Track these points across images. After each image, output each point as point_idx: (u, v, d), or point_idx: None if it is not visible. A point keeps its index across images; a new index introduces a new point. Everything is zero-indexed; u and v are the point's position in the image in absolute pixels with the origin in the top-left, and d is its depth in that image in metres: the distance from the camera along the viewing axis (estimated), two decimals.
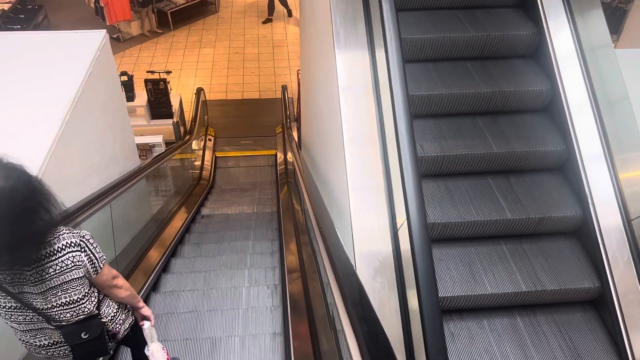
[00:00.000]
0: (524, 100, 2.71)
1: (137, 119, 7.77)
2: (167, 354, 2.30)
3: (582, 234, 2.44)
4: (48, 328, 1.90)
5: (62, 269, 1.79)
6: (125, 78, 7.39)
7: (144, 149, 6.34)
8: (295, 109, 9.09)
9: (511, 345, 2.21)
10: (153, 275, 3.93)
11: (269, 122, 9.16)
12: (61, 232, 1.82)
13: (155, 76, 7.65)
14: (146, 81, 7.45)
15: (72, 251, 1.81)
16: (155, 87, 7.47)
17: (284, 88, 8.52)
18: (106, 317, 2.01)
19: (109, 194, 3.50)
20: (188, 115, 8.41)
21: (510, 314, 2.33)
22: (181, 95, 8.59)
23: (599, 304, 2.35)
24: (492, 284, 2.26)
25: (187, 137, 6.88)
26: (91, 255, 1.88)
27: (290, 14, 12.24)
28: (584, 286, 2.29)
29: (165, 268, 4.26)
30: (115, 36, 11.25)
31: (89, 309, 1.92)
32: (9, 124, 3.20)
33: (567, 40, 2.69)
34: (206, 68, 10.57)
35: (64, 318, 1.88)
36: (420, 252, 1.65)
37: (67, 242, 1.80)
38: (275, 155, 8.27)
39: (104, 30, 4.27)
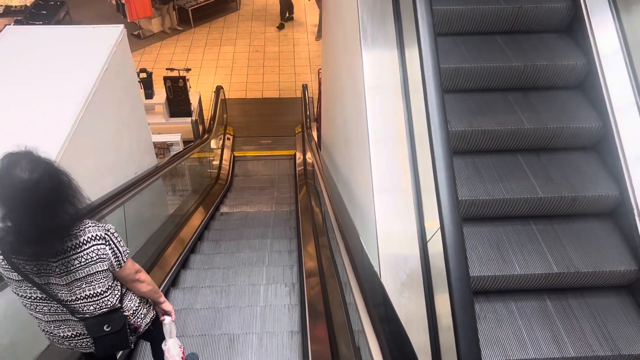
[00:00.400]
0: (557, 75, 2.59)
1: (156, 116, 7.68)
2: (183, 351, 2.31)
3: (618, 215, 2.32)
4: (72, 320, 1.92)
5: (87, 261, 1.82)
6: (144, 75, 7.30)
7: (162, 148, 6.23)
8: (316, 109, 8.92)
9: (541, 329, 2.10)
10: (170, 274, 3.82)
11: (289, 122, 9.00)
12: (87, 225, 1.84)
13: (175, 74, 7.55)
14: (165, 79, 7.35)
15: (97, 244, 1.83)
16: (174, 85, 7.37)
17: (304, 87, 8.36)
18: (128, 311, 2.03)
19: (122, 195, 3.38)
20: (207, 114, 8.31)
21: (540, 298, 2.22)
22: (200, 93, 8.48)
23: (636, 289, 2.22)
24: (522, 264, 2.16)
25: (205, 136, 6.75)
26: (115, 249, 1.90)
27: (290, 17, 11.94)
28: (620, 269, 2.16)
29: (184, 264, 4.17)
30: (136, 33, 11.22)
31: (111, 302, 1.94)
32: (19, 122, 3.08)
33: (605, 11, 2.53)
34: (226, 66, 10.47)
35: (87, 310, 1.90)
36: (455, 266, 1.48)
37: (92, 235, 1.83)
38: (294, 155, 8.11)
39: (122, 25, 4.14)
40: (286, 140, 8.60)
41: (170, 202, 5.63)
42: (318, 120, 8.70)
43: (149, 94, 7.48)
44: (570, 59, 2.57)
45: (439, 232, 1.58)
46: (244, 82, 10.05)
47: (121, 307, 2.00)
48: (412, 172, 1.84)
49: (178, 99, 7.53)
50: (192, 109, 7.77)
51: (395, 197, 1.94)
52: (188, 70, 7.75)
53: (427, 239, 1.79)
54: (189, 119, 7.68)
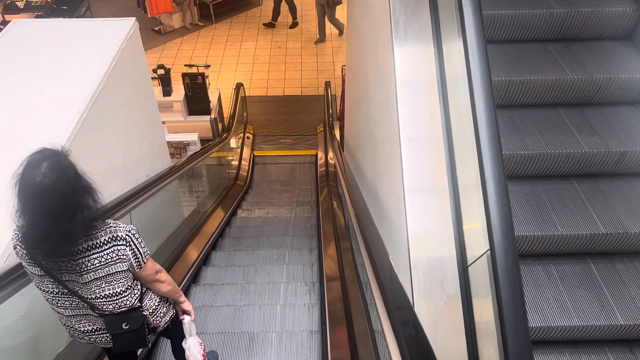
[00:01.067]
0: (604, 23, 2.37)
1: (174, 114, 7.46)
2: (204, 349, 2.33)
3: None
4: (92, 314, 1.95)
5: (106, 261, 1.83)
6: (162, 72, 7.08)
7: (178, 147, 6.00)
8: (339, 107, 8.60)
9: (585, 295, 1.92)
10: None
11: (310, 121, 8.71)
12: (108, 225, 1.84)
13: (193, 70, 7.31)
14: (184, 75, 7.11)
15: (117, 245, 1.84)
16: (193, 82, 7.13)
17: (327, 84, 8.04)
18: (147, 310, 2.04)
19: (130, 201, 3.12)
20: (227, 112, 8.04)
21: (583, 261, 2.04)
22: (220, 90, 8.23)
23: None
24: (564, 224, 1.97)
25: (224, 135, 6.50)
26: (135, 249, 1.90)
27: (294, 24, 11.32)
28: None
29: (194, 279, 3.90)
30: (156, 29, 11.04)
31: (130, 302, 1.96)
32: (18, 124, 2.84)
33: None
34: (247, 62, 10.21)
35: (106, 309, 1.92)
36: (505, 276, 1.21)
37: (113, 236, 1.83)
38: (316, 155, 7.81)
39: (133, 19, 3.89)
40: (308, 139, 8.31)
41: (186, 205, 5.38)
42: (341, 119, 8.38)
43: (167, 91, 7.25)
44: (619, 4, 2.35)
45: (483, 237, 1.32)
46: (265, 79, 9.78)
47: (140, 306, 2.01)
48: (449, 171, 1.68)
49: (197, 97, 7.29)
50: (212, 107, 7.52)
51: (429, 197, 1.81)
52: (207, 66, 7.50)
53: (466, 242, 1.59)
54: (207, 117, 7.44)
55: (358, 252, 2.28)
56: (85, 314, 1.96)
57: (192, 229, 4.62)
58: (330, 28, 11.24)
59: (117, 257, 1.85)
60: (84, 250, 1.79)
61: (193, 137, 6.06)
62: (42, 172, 1.59)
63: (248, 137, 8.05)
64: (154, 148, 4.30)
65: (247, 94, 9.15)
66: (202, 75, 7.12)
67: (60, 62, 3.32)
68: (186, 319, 2.25)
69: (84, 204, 1.69)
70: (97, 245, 1.81)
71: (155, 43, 10.70)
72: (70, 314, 1.95)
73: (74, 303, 1.91)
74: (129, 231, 1.89)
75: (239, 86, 7.87)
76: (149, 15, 10.52)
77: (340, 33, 10.77)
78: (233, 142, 7.41)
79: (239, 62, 10.21)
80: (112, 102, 3.37)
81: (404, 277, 1.71)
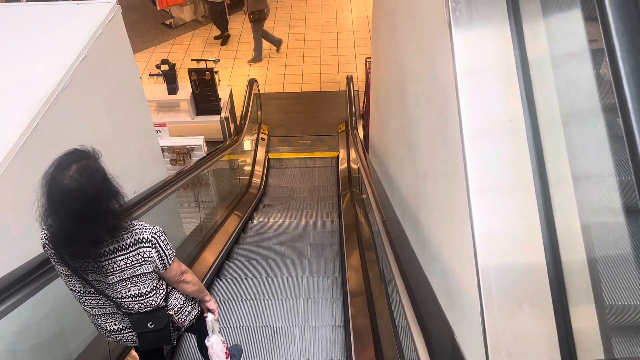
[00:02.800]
0: None
1: (180, 114, 6.77)
2: (227, 347, 2.38)
3: None
4: (118, 313, 1.97)
5: (132, 263, 1.84)
6: (166, 67, 6.39)
7: (181, 153, 5.30)
8: (362, 104, 7.82)
9: None
10: None
11: (331, 119, 7.95)
12: (134, 227, 1.84)
13: (201, 65, 6.61)
14: (190, 71, 6.41)
15: (143, 247, 1.85)
16: (200, 78, 6.43)
17: (349, 79, 7.26)
18: (173, 309, 2.06)
19: None
20: (240, 111, 7.33)
21: None
22: (232, 87, 7.51)
23: None
24: None
25: (234, 138, 5.78)
26: (161, 251, 1.90)
27: (225, 39, 9.96)
28: None
29: None
30: (167, 22, 10.40)
31: (155, 302, 1.97)
32: None
33: None
34: (263, 57, 9.48)
35: (132, 308, 1.94)
36: None
37: (139, 238, 1.83)
38: (337, 158, 7.06)
39: (114, 1, 3.17)
40: (328, 140, 7.55)
41: (189, 219, 4.69)
42: (365, 117, 7.60)
43: (172, 89, 6.57)
44: None
45: None
46: (281, 74, 9.05)
47: (166, 306, 2.03)
48: (535, 163, 1.43)
49: (205, 94, 6.59)
50: (222, 106, 6.81)
51: (506, 193, 1.51)
52: (217, 61, 6.80)
53: (560, 244, 1.36)
54: (217, 117, 6.74)
55: (392, 285, 2.05)
56: (111, 313, 1.98)
57: (195, 249, 3.94)
58: (352, 17, 10.45)
59: (142, 259, 1.86)
60: (109, 252, 1.80)
61: (198, 140, 5.35)
62: (70, 175, 1.60)
63: (262, 139, 7.33)
64: (144, 158, 3.60)
65: (261, 91, 8.44)
66: (211, 70, 6.42)
67: (12, 56, 2.63)
68: (209, 317, 2.26)
69: (110, 208, 1.70)
70: (123, 248, 1.82)
71: (165, 37, 10.06)
72: (97, 312, 1.98)
73: (100, 302, 1.94)
74: (155, 233, 1.88)
75: (252, 82, 7.15)
76: (159, 8, 9.89)
77: (278, 49, 9.48)
78: (245, 145, 6.70)
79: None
80: (80, 104, 2.67)
81: (467, 284, 1.47)
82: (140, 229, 1.85)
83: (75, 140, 2.65)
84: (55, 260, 1.83)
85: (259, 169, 6.58)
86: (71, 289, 1.92)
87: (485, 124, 1.57)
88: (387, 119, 3.89)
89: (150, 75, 6.70)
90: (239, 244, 4.77)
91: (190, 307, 2.17)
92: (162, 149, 5.29)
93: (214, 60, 6.71)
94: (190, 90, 6.57)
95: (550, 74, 1.48)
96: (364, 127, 7.40)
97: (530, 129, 1.50)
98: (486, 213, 1.46)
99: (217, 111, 6.74)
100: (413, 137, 2.66)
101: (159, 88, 6.72)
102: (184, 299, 2.13)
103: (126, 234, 1.81)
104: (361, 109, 7.73)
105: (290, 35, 10.07)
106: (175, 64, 6.46)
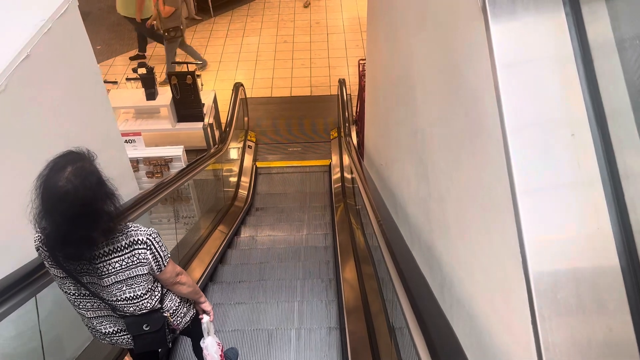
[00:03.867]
0: None
1: (160, 121, 6.28)
2: (222, 349, 2.36)
3: None
4: (113, 315, 1.96)
5: (127, 264, 1.83)
6: (143, 71, 5.90)
7: (158, 165, 4.82)
8: (355, 109, 7.38)
9: None
10: None
11: (322, 125, 7.51)
12: (129, 229, 1.84)
13: (183, 68, 6.13)
14: (169, 75, 5.93)
15: (138, 248, 1.84)
16: (181, 82, 5.94)
17: (341, 82, 6.82)
18: (168, 311, 2.06)
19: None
20: (225, 117, 6.85)
21: None
22: (216, 92, 7.03)
23: None
24: None
25: (217, 147, 5.30)
26: (156, 253, 1.89)
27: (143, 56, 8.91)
28: None
29: None
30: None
31: (150, 304, 1.96)
32: None
33: None
34: (249, 60, 9.02)
35: (127, 311, 1.93)
36: None
37: (133, 239, 1.83)
38: (330, 166, 6.61)
39: None
40: (319, 147, 7.10)
41: (169, 237, 4.21)
42: (358, 122, 7.16)
43: (151, 95, 6.08)
44: None
45: None
46: (269, 77, 8.59)
47: (161, 308, 2.02)
48: (603, 156, 1.15)
49: (187, 100, 6.11)
50: (205, 112, 6.34)
51: (561, 193, 1.20)
52: (199, 64, 6.31)
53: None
54: (200, 124, 6.25)
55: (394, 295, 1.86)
56: (106, 315, 1.96)
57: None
58: (342, 18, 10.03)
59: (137, 261, 1.85)
60: (104, 254, 1.79)
61: (176, 151, 4.86)
62: (66, 177, 1.59)
63: (249, 146, 6.86)
64: (109, 174, 3.11)
65: (248, 96, 7.98)
66: (193, 74, 5.94)
67: None
68: (205, 319, 2.25)
69: (105, 210, 1.69)
70: (118, 249, 1.81)
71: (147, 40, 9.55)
72: (92, 315, 1.96)
73: (95, 304, 1.92)
74: (150, 235, 1.88)
75: (237, 87, 6.68)
76: None
77: (201, 68, 8.26)
78: (230, 153, 6.23)
79: (240, 60, 9.03)
80: (19, 114, 2.19)
81: (514, 295, 1.19)
82: (135, 230, 1.85)
83: (9, 163, 2.19)
84: (50, 262, 1.82)
85: (245, 179, 6.10)
86: (65, 292, 1.91)
87: (532, 116, 1.29)
88: (387, 126, 3.44)
89: (128, 79, 6.22)
90: (223, 264, 4.31)
91: (185, 309, 2.17)
92: (137, 161, 4.82)
93: (196, 63, 6.22)
94: (171, 95, 6.09)
95: (617, 62, 1.24)
96: (357, 133, 6.96)
97: (594, 116, 1.25)
98: (540, 216, 1.17)
99: (200, 118, 6.26)
100: (424, 149, 2.22)
101: (137, 93, 6.24)
102: (179, 300, 2.12)
103: (121, 235, 1.81)
104: (354, 113, 7.30)
105: (278, 37, 9.62)
106: (153, 67, 5.97)
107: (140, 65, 5.87)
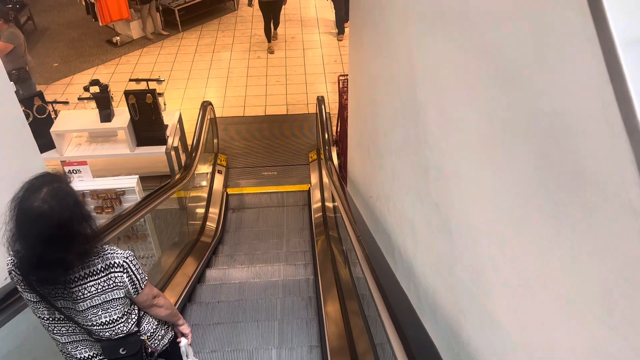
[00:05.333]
0: None
1: (117, 146, 5.58)
2: None
3: None
4: (89, 339, 1.92)
5: (103, 288, 1.81)
6: (96, 89, 5.22)
7: (109, 198, 4.11)
8: (335, 128, 6.80)
9: None
10: None
11: (300, 146, 6.90)
12: (105, 252, 1.83)
13: (142, 86, 5.46)
14: (127, 93, 5.25)
15: (115, 272, 1.82)
16: (140, 102, 5.27)
17: (320, 100, 6.23)
18: (145, 334, 2.01)
19: None
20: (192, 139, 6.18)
21: None
22: (181, 112, 6.36)
23: None
24: None
25: (179, 176, 4.62)
26: (133, 276, 1.87)
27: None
28: None
29: None
30: (114, 41, 9.21)
31: (127, 328, 1.93)
32: None
33: None
34: (220, 77, 8.40)
35: (103, 335, 1.89)
36: None
37: (110, 263, 1.81)
38: (309, 192, 5.98)
39: None
40: (297, 171, 6.48)
41: None
42: (339, 143, 6.57)
43: (106, 116, 5.39)
44: None
45: None
46: (242, 95, 7.96)
47: (138, 331, 1.98)
48: None
49: (147, 121, 5.44)
50: (168, 134, 5.67)
51: None
52: (160, 81, 5.66)
53: None
54: (163, 148, 5.58)
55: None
56: (81, 340, 1.92)
57: None
58: (319, 32, 9.51)
59: (113, 284, 1.82)
60: (79, 278, 1.76)
61: (129, 182, 4.15)
62: (42, 198, 1.58)
63: (219, 171, 6.19)
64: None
65: (219, 115, 7.34)
66: (153, 92, 5.28)
67: None
68: (183, 342, 2.21)
69: (81, 232, 1.68)
70: (94, 273, 1.78)
71: (108, 57, 8.87)
72: (67, 340, 1.91)
73: (70, 329, 1.88)
74: (126, 258, 1.86)
75: (205, 106, 6.03)
76: (100, 24, 8.73)
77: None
78: (197, 180, 5.55)
79: (210, 76, 8.39)
80: None
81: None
82: (111, 253, 1.83)
83: None
84: (23, 286, 1.78)
85: (214, 210, 5.42)
86: (39, 317, 1.87)
87: None
88: (380, 154, 2.84)
89: (80, 99, 5.52)
90: (185, 313, 3.62)
91: (163, 331, 2.13)
92: (83, 194, 4.11)
93: (157, 80, 5.57)
94: (129, 116, 5.41)
95: None
96: (338, 154, 6.37)
97: None
98: None
99: (163, 141, 5.58)
100: (446, 193, 1.61)
101: (91, 114, 5.54)
102: (156, 323, 2.09)
103: (97, 258, 1.79)
104: (334, 133, 6.71)
105: (251, 53, 9.03)
106: (108, 85, 5.29)
107: (93, 83, 5.19)
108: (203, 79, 8.34)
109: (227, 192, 6.04)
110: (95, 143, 5.62)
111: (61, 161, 5.04)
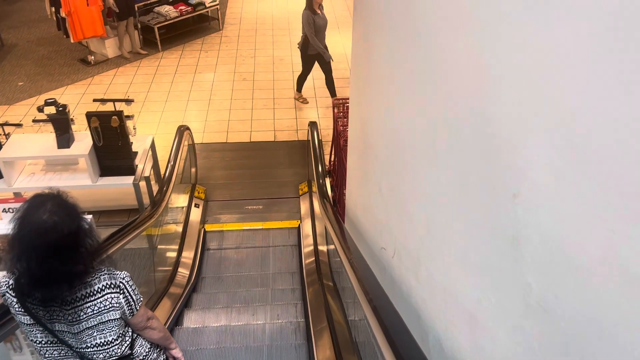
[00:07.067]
0: None
1: (78, 176, 4.81)
2: None
3: None
4: None
5: (99, 309, 1.80)
6: (52, 110, 4.46)
7: None
8: (329, 157, 6.11)
9: None
10: None
11: (289, 177, 6.17)
12: (102, 273, 1.82)
13: (107, 107, 4.73)
14: (88, 116, 4.51)
15: (111, 292, 1.81)
16: (104, 125, 4.53)
17: (313, 126, 5.55)
18: (138, 357, 2.00)
19: None
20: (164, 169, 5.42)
21: None
22: (160, 136, 5.64)
23: None
24: None
25: (147, 214, 3.85)
26: (129, 297, 1.87)
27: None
28: None
29: None
30: (88, 59, 8.49)
31: (121, 350, 1.91)
32: None
33: None
34: (202, 99, 7.70)
35: (97, 358, 1.87)
36: None
37: (106, 284, 1.81)
38: (299, 230, 5.24)
39: None
40: (286, 205, 5.74)
41: None
42: (334, 175, 5.87)
43: (64, 141, 4.63)
44: None
45: None
46: (225, 119, 7.26)
47: (132, 354, 1.96)
48: None
49: (112, 148, 4.69)
50: (137, 163, 4.91)
51: None
52: (129, 101, 4.93)
53: None
54: (130, 179, 4.81)
55: None
56: None
57: None
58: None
59: (110, 305, 1.81)
60: (76, 299, 1.75)
61: None
62: (49, 210, 1.61)
63: (196, 205, 5.42)
64: None
65: (200, 141, 6.62)
66: (120, 114, 4.54)
67: None
68: None
69: (88, 243, 1.70)
70: (91, 294, 1.77)
71: (80, 76, 8.14)
72: None
73: (62, 352, 1.86)
74: (123, 278, 1.86)
75: (182, 131, 5.30)
76: (72, 40, 8.00)
77: None
78: (169, 216, 4.79)
79: (191, 99, 7.69)
80: None
81: None
82: (107, 274, 1.83)
83: None
84: (17, 308, 1.75)
85: (188, 254, 4.63)
86: (32, 340, 1.84)
87: None
88: (401, 194, 2.14)
89: (35, 121, 4.75)
90: None
91: (155, 354, 2.10)
92: None
93: (125, 101, 4.84)
94: (91, 142, 4.65)
95: None
96: (332, 187, 5.67)
97: None
98: None
99: (131, 170, 4.83)
100: (552, 275, 0.90)
101: (48, 139, 4.78)
102: (149, 346, 2.06)
103: (94, 279, 1.78)
104: (328, 163, 6.02)
105: (236, 74, 8.37)
106: (66, 106, 4.54)
107: (48, 103, 4.44)
108: (183, 101, 7.64)
109: (204, 229, 5.27)
110: (52, 172, 4.84)
111: None
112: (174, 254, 4.53)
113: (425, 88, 1.70)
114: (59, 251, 1.61)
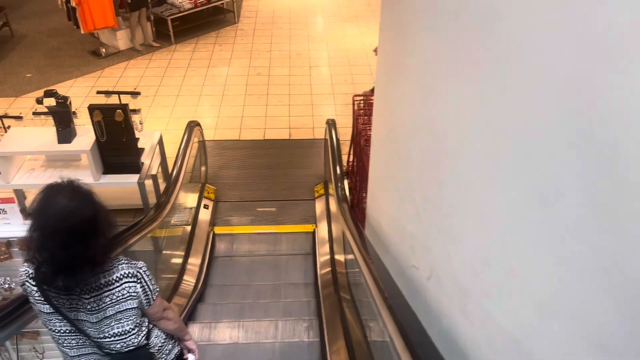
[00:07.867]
0: None
1: (79, 173, 4.49)
2: None
3: None
4: (98, 354, 1.92)
5: (117, 298, 1.82)
6: (51, 102, 4.15)
7: None
8: (347, 157, 5.73)
9: None
10: None
11: (304, 178, 5.82)
12: (120, 262, 1.85)
13: (112, 100, 4.41)
14: (91, 109, 4.19)
15: (129, 282, 1.84)
16: (107, 120, 4.22)
17: (331, 124, 5.19)
18: (154, 347, 2.02)
19: None
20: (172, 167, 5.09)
21: None
22: (170, 132, 5.33)
23: None
24: None
25: (151, 213, 3.53)
26: (146, 286, 1.89)
27: None
28: None
29: None
30: (100, 51, 8.22)
31: (137, 340, 1.93)
32: None
33: None
34: (215, 94, 7.38)
35: (114, 348, 1.89)
36: None
37: (124, 273, 1.83)
38: (314, 236, 4.89)
39: None
40: (300, 207, 5.38)
41: None
42: (351, 176, 5.50)
43: (65, 136, 4.32)
44: None
45: None
46: (238, 115, 6.93)
47: (147, 344, 1.98)
48: None
49: (116, 144, 4.37)
50: (143, 160, 4.60)
51: None
52: (135, 94, 4.61)
53: None
54: (135, 177, 4.50)
55: None
56: (90, 353, 1.91)
57: None
58: (327, 49, 8.53)
59: (127, 294, 1.83)
60: (95, 288, 1.77)
61: None
62: (68, 196, 1.64)
63: (206, 206, 5.10)
64: None
65: (212, 137, 6.30)
66: (125, 108, 4.22)
67: None
68: (190, 358, 2.23)
69: (105, 230, 1.72)
70: (110, 283, 1.79)
71: (90, 68, 7.87)
72: (76, 353, 1.90)
73: (80, 342, 1.88)
74: (140, 268, 1.88)
75: (192, 127, 4.97)
76: (82, 31, 7.73)
77: None
78: (176, 218, 4.46)
79: (203, 94, 7.37)
80: None
81: None
82: (125, 263, 1.85)
83: None
84: (36, 297, 1.78)
85: (195, 260, 4.30)
86: (50, 329, 1.86)
87: None
88: (438, 205, 1.77)
89: (35, 113, 4.46)
90: None
91: (170, 345, 2.12)
92: (8, 243, 3.01)
93: (131, 93, 4.52)
94: (94, 137, 4.34)
95: None
96: (350, 189, 5.30)
97: None
98: None
99: (136, 168, 4.51)
100: None
101: (49, 133, 4.48)
102: (164, 337, 2.08)
103: (112, 268, 1.80)
104: (345, 164, 5.65)
105: (251, 69, 8.03)
106: (68, 98, 4.24)
107: (48, 94, 4.13)
108: (195, 96, 7.32)
109: (214, 232, 4.94)
110: (53, 169, 4.55)
111: None
112: (179, 260, 4.20)
113: (496, 80, 1.32)
114: (81, 236, 1.63)
